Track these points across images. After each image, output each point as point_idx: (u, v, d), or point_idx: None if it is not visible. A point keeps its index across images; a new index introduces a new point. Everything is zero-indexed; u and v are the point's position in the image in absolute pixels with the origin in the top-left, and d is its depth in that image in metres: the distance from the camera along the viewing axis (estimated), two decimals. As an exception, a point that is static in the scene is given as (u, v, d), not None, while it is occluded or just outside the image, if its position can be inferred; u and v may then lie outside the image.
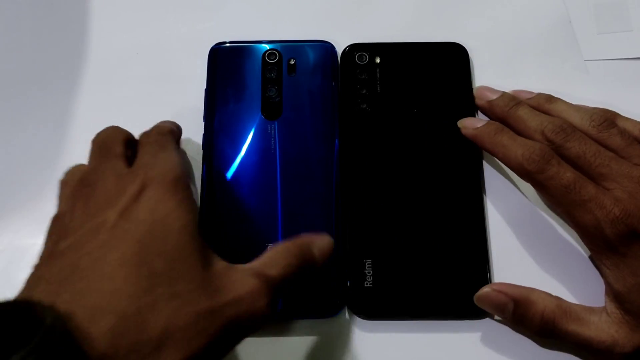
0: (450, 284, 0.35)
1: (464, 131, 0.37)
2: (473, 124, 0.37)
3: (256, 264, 0.28)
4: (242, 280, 0.27)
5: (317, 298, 0.35)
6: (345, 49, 0.41)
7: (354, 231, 0.36)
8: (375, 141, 0.38)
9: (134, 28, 0.44)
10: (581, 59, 0.42)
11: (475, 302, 0.34)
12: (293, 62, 0.40)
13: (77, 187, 0.30)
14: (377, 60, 0.40)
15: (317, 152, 0.38)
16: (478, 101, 0.39)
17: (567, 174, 0.32)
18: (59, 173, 0.39)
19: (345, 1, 0.44)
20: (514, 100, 0.37)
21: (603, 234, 0.31)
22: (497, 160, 0.37)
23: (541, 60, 0.42)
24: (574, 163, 0.33)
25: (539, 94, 0.39)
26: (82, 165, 0.32)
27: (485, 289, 0.33)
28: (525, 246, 0.37)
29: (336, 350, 0.35)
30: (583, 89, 0.41)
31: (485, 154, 0.39)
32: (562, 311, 0.32)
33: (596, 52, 0.42)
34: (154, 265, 0.25)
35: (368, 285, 0.35)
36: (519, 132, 0.36)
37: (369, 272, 0.35)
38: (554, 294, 0.35)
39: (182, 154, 0.38)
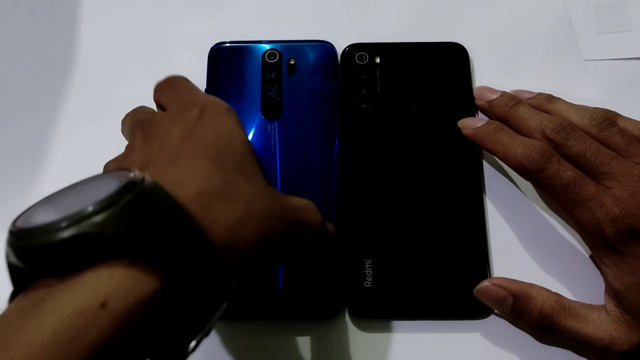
0: (450, 284, 0.35)
1: (464, 131, 0.37)
2: (473, 124, 0.37)
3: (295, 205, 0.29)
4: (297, 197, 0.28)
5: (317, 298, 0.35)
6: (345, 49, 0.41)
7: (354, 231, 0.36)
8: (375, 141, 0.38)
9: (133, 28, 0.43)
10: (581, 59, 0.42)
11: (474, 295, 0.34)
12: (293, 62, 0.40)
13: (135, 124, 0.30)
14: (377, 60, 0.40)
15: (317, 152, 0.38)
16: (478, 101, 0.39)
17: (567, 173, 0.32)
18: (61, 171, 0.40)
19: (345, 1, 0.44)
20: (514, 99, 0.37)
21: (603, 233, 0.31)
22: (497, 159, 0.38)
23: (541, 60, 0.42)
24: (574, 162, 0.33)
25: (539, 94, 0.39)
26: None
27: (485, 283, 0.34)
28: (525, 246, 0.37)
29: (336, 350, 0.35)
30: (583, 89, 0.41)
31: (485, 153, 0.39)
32: (561, 307, 0.32)
33: (596, 52, 0.42)
34: (227, 162, 0.26)
35: (368, 285, 0.35)
36: (519, 132, 0.36)
37: (369, 272, 0.35)
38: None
39: None
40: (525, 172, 0.34)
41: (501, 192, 0.38)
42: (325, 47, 0.41)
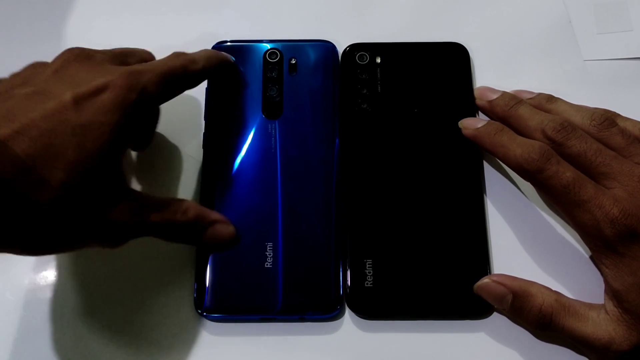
0: (451, 284, 0.35)
1: (464, 131, 0.37)
2: (473, 124, 0.37)
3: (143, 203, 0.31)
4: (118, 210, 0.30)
5: (317, 298, 0.35)
6: (346, 48, 0.41)
7: (354, 231, 0.36)
8: (375, 141, 0.38)
9: (134, 28, 0.43)
10: (581, 59, 0.42)
11: (474, 291, 0.34)
12: (294, 62, 0.40)
13: (71, 55, 0.31)
14: (378, 60, 0.40)
15: (317, 151, 0.38)
16: (478, 101, 0.39)
17: (567, 174, 0.32)
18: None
19: (346, 1, 0.44)
20: (514, 99, 0.37)
21: (602, 234, 0.31)
22: (497, 161, 0.38)
23: (541, 60, 0.42)
24: (574, 162, 0.33)
25: (540, 94, 0.39)
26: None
27: (485, 280, 0.34)
28: (525, 246, 0.37)
29: (336, 350, 0.35)
30: (583, 89, 0.41)
31: (485, 153, 0.39)
32: (561, 306, 0.32)
33: (596, 52, 0.42)
34: (66, 150, 0.27)
35: (368, 285, 0.35)
36: (519, 131, 0.36)
37: (369, 272, 0.35)
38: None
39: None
40: (524, 173, 0.34)
41: (501, 192, 0.38)
42: (326, 47, 0.41)
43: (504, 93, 0.38)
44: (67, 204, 0.27)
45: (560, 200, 0.33)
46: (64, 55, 0.31)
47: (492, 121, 0.37)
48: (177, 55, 0.34)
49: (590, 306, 0.33)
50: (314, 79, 0.40)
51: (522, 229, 0.37)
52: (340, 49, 0.41)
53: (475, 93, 0.40)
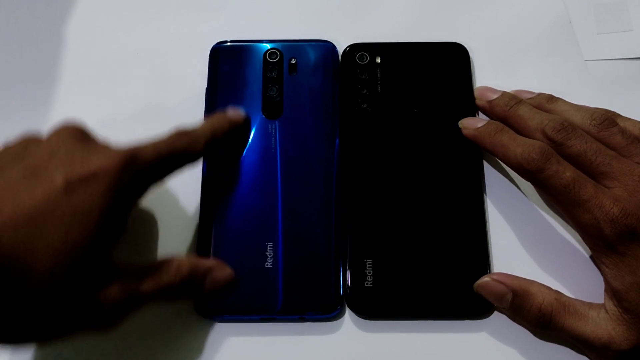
0: (451, 284, 0.35)
1: (464, 131, 0.37)
2: (473, 124, 0.37)
3: (137, 271, 0.31)
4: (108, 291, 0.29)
5: (317, 298, 0.35)
6: (346, 48, 0.41)
7: (354, 231, 0.36)
8: (375, 141, 0.38)
9: (134, 28, 0.43)
10: (581, 59, 0.42)
11: (474, 289, 0.34)
12: (294, 62, 0.40)
13: (67, 133, 0.30)
14: (378, 60, 0.40)
15: (317, 151, 0.38)
16: (478, 101, 0.39)
17: (567, 173, 0.32)
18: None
19: (346, 1, 0.44)
20: (514, 99, 0.37)
21: (602, 233, 0.31)
22: (497, 160, 0.38)
23: (541, 60, 0.42)
24: (574, 161, 0.33)
25: (540, 94, 0.39)
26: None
27: (485, 278, 0.34)
28: (525, 245, 0.37)
29: (336, 350, 0.35)
30: (583, 89, 0.41)
31: (485, 153, 0.39)
32: (560, 305, 0.32)
33: (596, 52, 0.42)
34: (53, 238, 0.26)
35: (368, 285, 0.35)
36: (519, 131, 0.36)
37: (369, 272, 0.35)
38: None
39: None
40: (524, 172, 0.34)
41: (502, 192, 0.38)
42: (326, 47, 0.41)
43: (504, 93, 0.38)
44: (54, 293, 0.26)
45: (561, 200, 0.33)
46: (60, 133, 0.30)
47: (492, 121, 0.37)
48: (179, 135, 0.33)
49: (590, 305, 0.33)
50: (314, 79, 0.40)
51: (522, 229, 0.37)
52: (340, 49, 0.41)
53: (475, 93, 0.40)
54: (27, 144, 0.30)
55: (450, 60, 0.41)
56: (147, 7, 0.44)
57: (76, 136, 0.30)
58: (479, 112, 0.40)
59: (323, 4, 0.44)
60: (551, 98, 0.38)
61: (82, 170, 0.28)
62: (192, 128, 0.34)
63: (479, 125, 0.37)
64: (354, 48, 0.41)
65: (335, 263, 0.35)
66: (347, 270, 0.35)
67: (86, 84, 0.42)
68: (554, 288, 0.34)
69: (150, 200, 0.35)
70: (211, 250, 0.36)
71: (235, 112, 0.38)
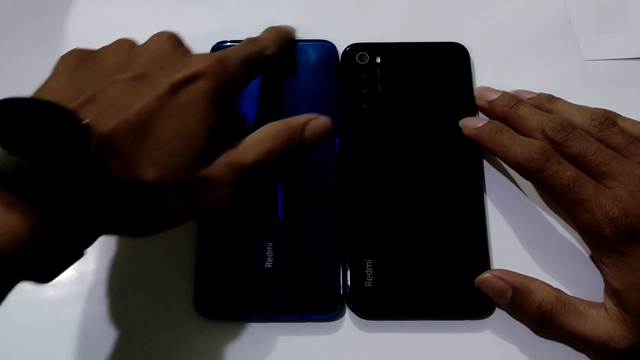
0: (451, 284, 0.35)
1: (464, 131, 0.37)
2: (474, 124, 0.37)
3: (239, 147, 0.31)
4: (216, 167, 0.30)
5: (317, 298, 0.35)
6: (346, 48, 0.41)
7: (354, 231, 0.36)
8: (375, 141, 0.38)
9: (134, 27, 0.43)
10: (581, 59, 0.42)
11: (475, 285, 0.35)
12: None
13: (163, 39, 0.33)
14: (378, 60, 0.40)
15: (317, 151, 0.38)
16: (478, 101, 0.39)
17: (567, 173, 0.32)
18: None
19: (346, 1, 0.44)
20: (514, 99, 0.37)
21: (602, 233, 0.31)
22: (497, 160, 0.38)
23: (542, 60, 0.42)
24: (575, 161, 0.33)
25: (540, 94, 0.39)
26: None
27: (486, 274, 0.34)
28: (525, 245, 0.37)
29: (336, 350, 0.35)
30: (583, 89, 0.41)
31: (486, 153, 0.39)
32: (561, 303, 0.33)
33: (596, 52, 0.42)
34: (162, 133, 0.28)
35: (368, 285, 0.35)
36: (519, 132, 0.36)
37: (369, 272, 0.35)
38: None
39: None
40: (525, 172, 0.34)
41: (502, 192, 0.38)
42: (326, 47, 0.41)
43: (504, 93, 0.38)
44: (166, 182, 0.28)
45: (560, 200, 0.33)
46: (158, 38, 0.32)
47: (493, 120, 0.37)
48: (250, 41, 0.35)
49: (591, 304, 0.33)
50: (313, 78, 0.40)
51: (522, 229, 0.37)
52: (340, 49, 0.41)
53: (475, 93, 0.40)
54: (129, 50, 0.32)
55: (450, 60, 0.41)
56: (147, 6, 0.44)
57: (172, 43, 0.32)
58: (479, 112, 0.40)
59: (323, 3, 0.44)
60: (551, 98, 0.38)
61: (186, 74, 0.30)
62: (259, 36, 0.37)
63: (479, 124, 0.37)
64: (354, 48, 0.41)
65: (335, 263, 0.35)
66: (347, 270, 0.35)
67: (86, 84, 0.42)
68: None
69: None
70: (211, 251, 0.36)
71: (288, 27, 0.40)
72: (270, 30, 0.38)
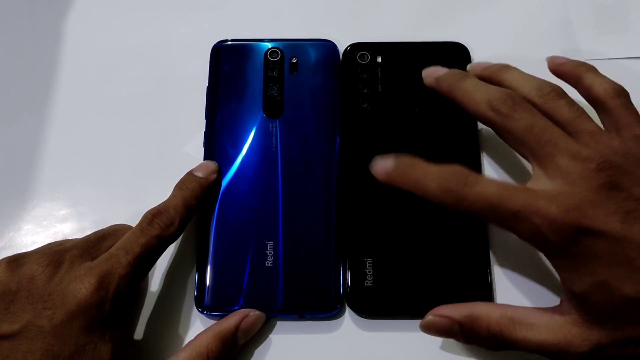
0: (451, 283, 0.35)
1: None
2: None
3: None
4: None
5: (317, 297, 0.35)
6: (346, 48, 0.41)
7: (354, 230, 0.36)
8: (376, 140, 0.38)
9: (135, 26, 0.43)
10: (582, 59, 0.42)
11: (422, 330, 0.32)
12: (295, 61, 0.40)
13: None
14: (379, 59, 0.40)
15: (318, 150, 0.38)
16: (426, 79, 0.36)
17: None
18: (62, 170, 0.40)
19: (347, 0, 0.44)
20: (461, 74, 0.35)
21: (547, 239, 0.28)
22: (498, 159, 0.38)
23: (542, 60, 0.42)
24: (520, 138, 0.31)
25: (493, 64, 0.36)
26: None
27: (428, 317, 0.32)
28: (525, 244, 0.37)
29: (336, 349, 0.35)
30: (583, 88, 0.41)
31: (486, 153, 0.39)
32: (507, 320, 0.30)
33: (596, 51, 0.42)
34: None
35: (368, 284, 0.35)
36: (465, 106, 0.34)
37: (369, 271, 0.35)
38: (552, 292, 0.35)
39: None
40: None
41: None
42: (327, 46, 0.41)
43: (452, 69, 0.36)
44: None
45: (492, 218, 0.30)
46: (29, 271, 0.30)
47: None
48: (150, 222, 0.33)
49: (542, 312, 0.31)
50: (314, 78, 0.40)
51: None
52: (341, 49, 0.41)
53: (423, 73, 0.37)
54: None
55: (451, 59, 0.41)
56: (148, 5, 0.44)
57: (46, 272, 0.30)
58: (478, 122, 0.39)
59: (324, 3, 0.44)
60: (503, 67, 0.35)
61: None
62: (163, 206, 0.34)
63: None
64: (355, 47, 0.41)
65: (335, 262, 0.36)
66: (347, 269, 0.36)
67: (86, 83, 0.42)
68: (554, 287, 0.34)
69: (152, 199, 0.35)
70: (212, 249, 0.36)
71: (207, 167, 0.37)
72: (177, 194, 0.35)
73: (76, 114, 0.41)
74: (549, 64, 0.36)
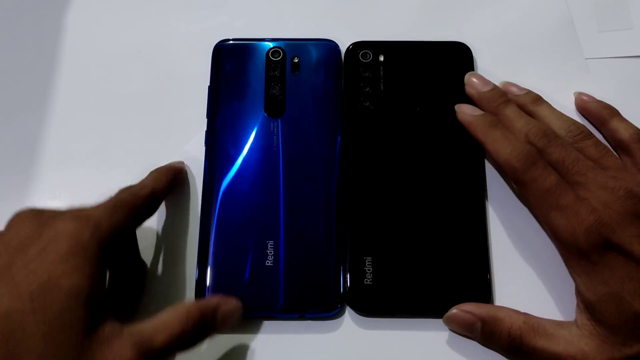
0: (450, 282, 0.35)
1: (459, 116, 0.38)
2: (470, 111, 0.37)
3: (145, 327, 0.29)
4: (119, 350, 0.27)
5: (318, 296, 0.35)
6: (348, 47, 0.41)
7: (354, 228, 0.37)
8: (377, 139, 0.38)
9: (136, 25, 0.43)
10: (582, 57, 0.42)
11: (444, 323, 0.35)
12: (297, 60, 0.40)
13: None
14: (381, 58, 0.40)
15: (319, 149, 0.38)
16: (468, 89, 0.39)
17: (551, 177, 0.33)
18: (62, 170, 0.40)
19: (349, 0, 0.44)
20: (503, 96, 0.38)
21: (577, 240, 0.32)
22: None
23: (543, 59, 0.42)
24: (553, 168, 0.34)
25: (527, 93, 0.39)
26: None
27: (453, 310, 0.34)
28: (525, 244, 0.37)
29: (336, 347, 0.35)
30: (584, 87, 0.41)
31: (487, 153, 0.39)
32: (529, 327, 0.33)
33: (597, 50, 0.42)
34: (29, 342, 0.26)
35: (368, 282, 0.35)
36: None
37: (369, 270, 0.36)
38: (552, 293, 0.35)
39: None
40: (511, 170, 0.34)
41: (503, 191, 0.38)
42: (329, 46, 0.41)
43: (494, 87, 0.39)
44: None
45: (539, 203, 0.33)
46: (16, 224, 0.30)
47: (488, 114, 0.37)
48: (122, 189, 0.34)
49: (561, 324, 0.33)
50: (316, 77, 0.40)
51: (523, 228, 0.37)
52: (343, 48, 0.41)
53: (465, 80, 0.40)
54: None
55: (453, 59, 0.41)
56: (150, 3, 0.44)
57: (30, 224, 0.30)
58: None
59: (326, 2, 0.44)
60: (536, 100, 0.39)
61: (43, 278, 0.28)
62: (135, 183, 0.35)
63: (476, 113, 0.37)
64: (357, 46, 0.41)
65: (335, 261, 0.36)
66: (347, 268, 0.36)
67: (87, 81, 0.42)
68: (554, 290, 0.34)
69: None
70: (212, 248, 0.36)
71: (177, 164, 0.39)
72: (152, 171, 0.37)
73: (76, 112, 0.41)
74: (576, 101, 0.40)
